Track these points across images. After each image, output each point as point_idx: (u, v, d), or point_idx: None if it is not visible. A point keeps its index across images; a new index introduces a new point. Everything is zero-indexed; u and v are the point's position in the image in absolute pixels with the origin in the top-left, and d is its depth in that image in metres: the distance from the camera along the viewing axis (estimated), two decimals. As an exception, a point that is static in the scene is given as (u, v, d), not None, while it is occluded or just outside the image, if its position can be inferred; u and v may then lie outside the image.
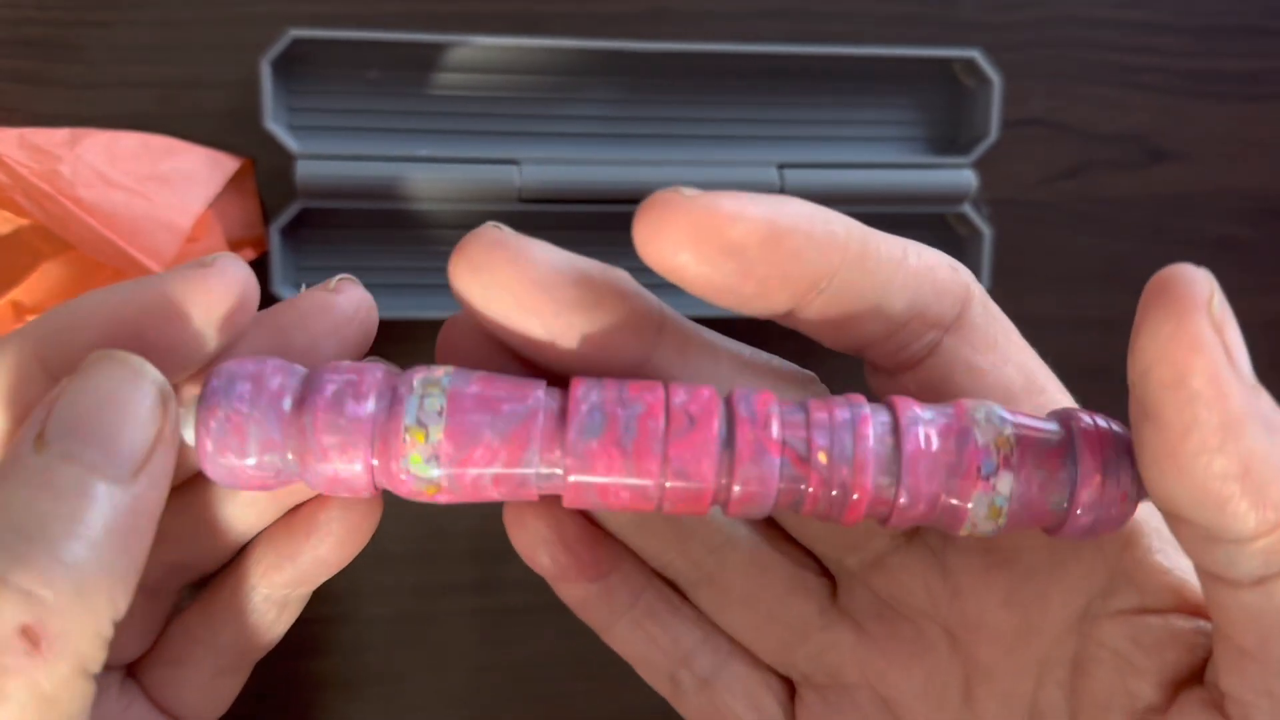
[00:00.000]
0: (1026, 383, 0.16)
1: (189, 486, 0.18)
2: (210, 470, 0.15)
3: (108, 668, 0.16)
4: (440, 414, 0.15)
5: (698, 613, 0.19)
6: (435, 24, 0.29)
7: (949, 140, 0.30)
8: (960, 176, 0.29)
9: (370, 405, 0.15)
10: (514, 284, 0.15)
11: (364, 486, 0.15)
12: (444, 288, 0.29)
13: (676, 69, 0.28)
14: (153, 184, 0.25)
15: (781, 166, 0.28)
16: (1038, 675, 0.17)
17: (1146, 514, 0.16)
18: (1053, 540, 0.17)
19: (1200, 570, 0.14)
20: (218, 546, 0.18)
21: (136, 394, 0.14)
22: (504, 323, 0.15)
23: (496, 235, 0.15)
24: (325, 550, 0.18)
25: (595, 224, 0.29)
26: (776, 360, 0.18)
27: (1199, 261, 0.17)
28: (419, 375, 0.15)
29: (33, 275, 0.26)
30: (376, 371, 0.15)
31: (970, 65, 0.29)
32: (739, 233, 0.14)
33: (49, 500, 0.13)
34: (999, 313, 0.17)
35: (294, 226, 0.27)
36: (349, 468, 0.15)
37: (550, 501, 0.18)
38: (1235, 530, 0.13)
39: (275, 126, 0.26)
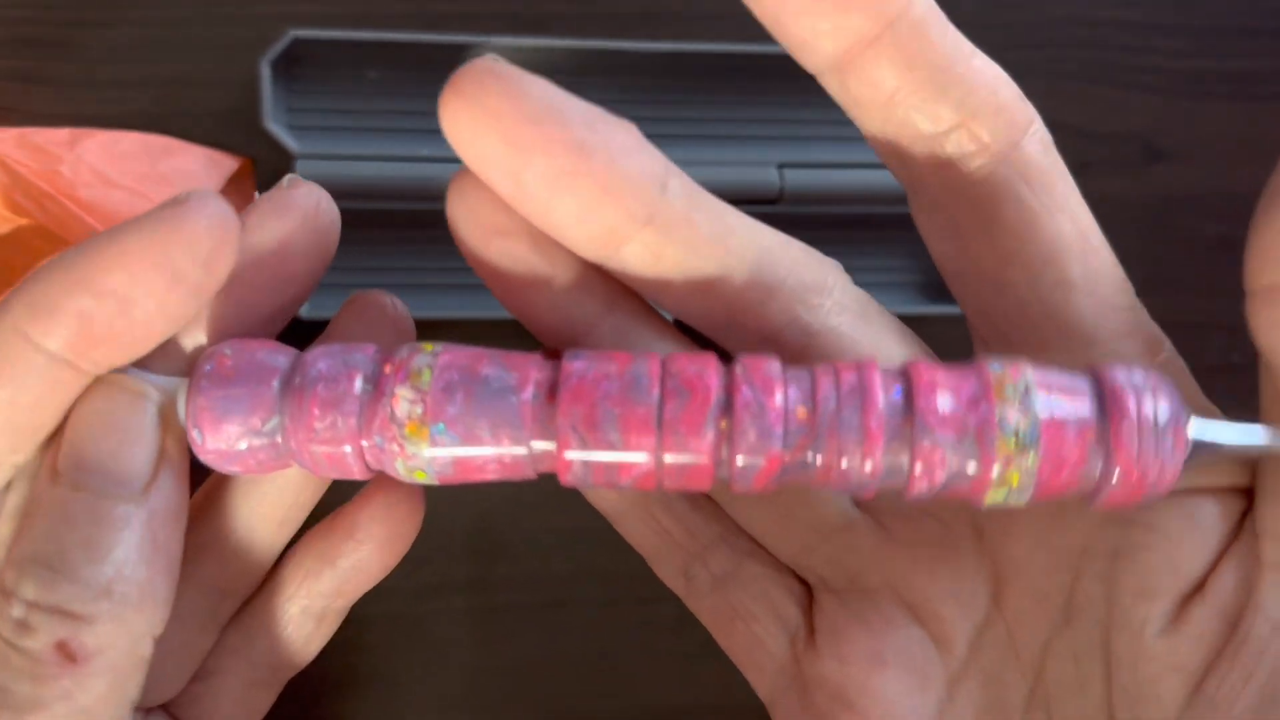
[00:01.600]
0: (1079, 237, 0.15)
1: (212, 501, 0.18)
2: (202, 454, 0.15)
3: (144, 709, 0.16)
4: (431, 394, 0.15)
5: (715, 507, 0.18)
6: (435, 24, 0.29)
7: (949, 140, 0.30)
8: (960, 177, 0.29)
9: (359, 386, 0.15)
10: (505, 117, 0.14)
11: (356, 469, 0.15)
12: (444, 288, 0.29)
13: (676, 69, 0.28)
14: (153, 184, 0.25)
15: (781, 166, 0.28)
16: (1074, 567, 0.16)
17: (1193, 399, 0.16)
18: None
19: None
20: (250, 559, 0.18)
21: (133, 414, 0.14)
22: (493, 165, 0.14)
23: (492, 65, 0.14)
24: (366, 554, 0.18)
25: (595, 224, 0.29)
26: (796, 242, 0.16)
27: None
28: (408, 355, 0.15)
29: (32, 275, 0.26)
30: (366, 351, 0.15)
31: (970, 65, 0.29)
32: None
33: (68, 530, 0.14)
34: (1060, 161, 0.15)
35: (294, 226, 0.27)
36: (338, 450, 0.15)
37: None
38: None
39: (275, 126, 0.26)
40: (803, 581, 0.18)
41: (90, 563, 0.14)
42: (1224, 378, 0.21)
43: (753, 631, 0.18)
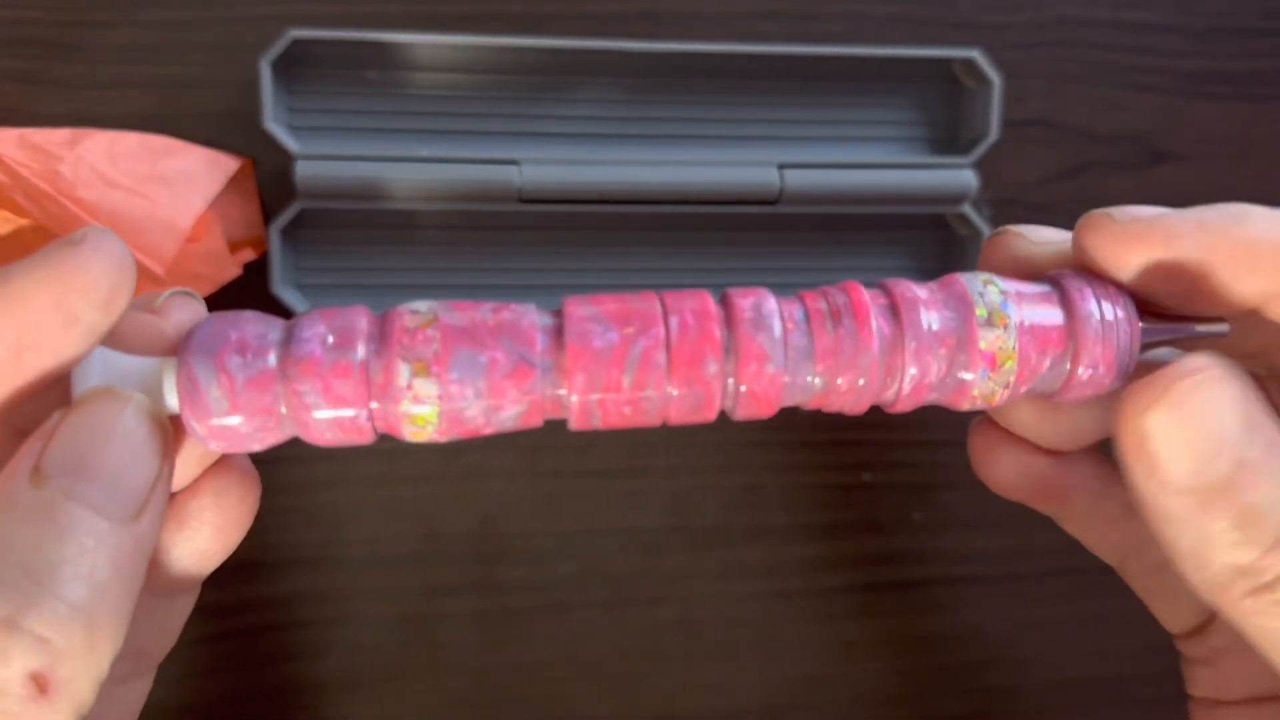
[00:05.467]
0: None
1: None
2: (197, 434, 0.15)
3: None
4: (435, 349, 0.14)
5: None
6: (435, 24, 0.29)
7: (949, 140, 0.30)
8: (960, 176, 0.29)
9: (360, 349, 0.14)
10: None
11: (363, 433, 0.15)
12: (442, 288, 0.29)
13: (676, 69, 0.28)
14: (153, 184, 0.25)
15: (781, 166, 0.28)
16: None
17: None
18: None
19: None
20: None
21: (139, 433, 0.14)
22: None
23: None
24: (202, 541, 0.17)
25: (595, 224, 0.29)
26: None
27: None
28: (406, 313, 0.15)
29: (32, 275, 0.26)
30: (360, 314, 0.15)
31: (970, 65, 0.29)
32: None
33: (54, 541, 0.13)
34: None
35: (294, 227, 0.27)
36: (344, 414, 0.14)
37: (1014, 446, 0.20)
38: None
39: (275, 126, 0.26)
40: None
41: (77, 580, 0.13)
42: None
43: None
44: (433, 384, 0.14)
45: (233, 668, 0.29)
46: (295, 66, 0.27)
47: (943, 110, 0.30)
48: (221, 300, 0.26)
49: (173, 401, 0.15)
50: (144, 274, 0.24)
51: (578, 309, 0.15)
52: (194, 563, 0.17)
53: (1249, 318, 0.17)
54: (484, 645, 0.30)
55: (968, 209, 0.29)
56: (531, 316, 0.15)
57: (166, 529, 0.17)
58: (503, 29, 0.29)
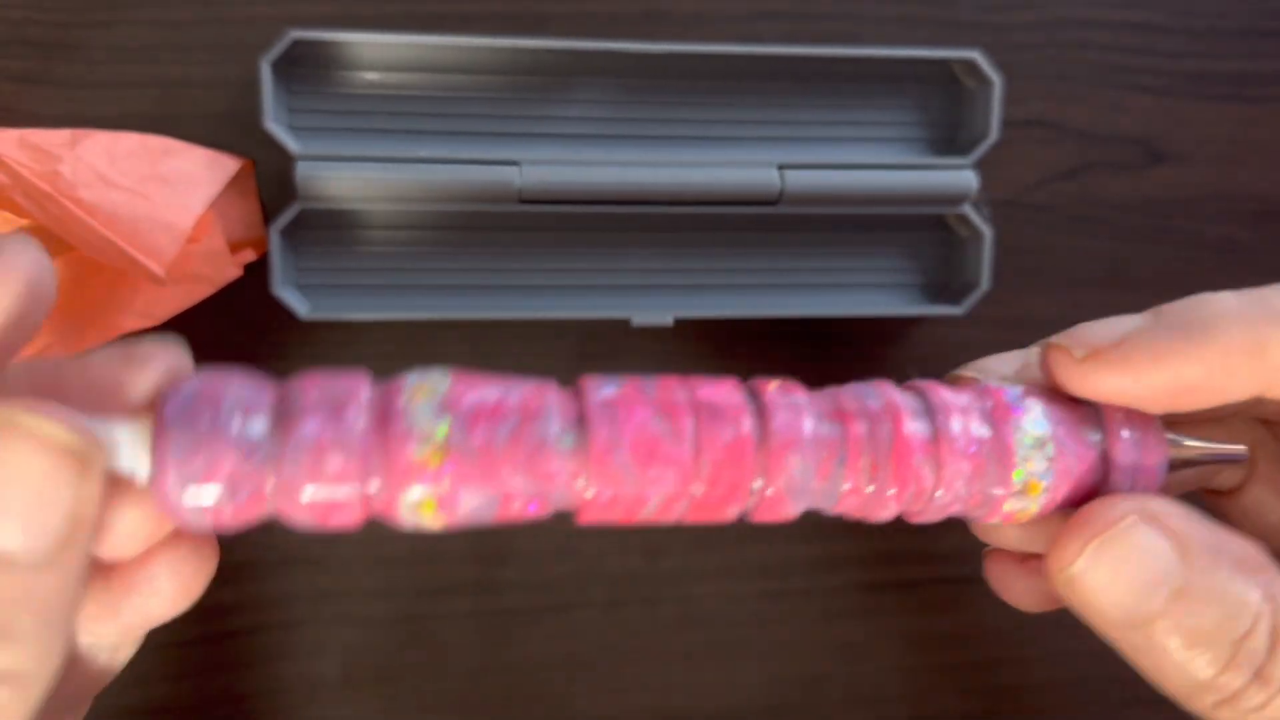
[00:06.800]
0: None
1: None
2: (172, 510, 0.13)
3: None
4: (446, 488, 0.13)
5: None
6: (435, 24, 0.29)
7: (949, 140, 0.30)
8: (960, 177, 0.29)
9: (362, 422, 0.13)
10: None
11: (354, 517, 0.13)
12: (442, 289, 0.29)
13: (677, 69, 0.28)
14: (153, 184, 0.25)
15: (781, 167, 0.28)
16: None
17: None
18: None
19: None
20: None
21: (46, 463, 0.12)
22: None
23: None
24: (153, 609, 0.16)
25: (595, 224, 0.29)
26: None
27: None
28: (413, 384, 0.14)
29: (33, 275, 0.26)
30: (363, 382, 0.13)
31: (970, 66, 0.29)
32: None
33: None
34: None
35: (294, 228, 0.27)
36: (337, 492, 0.13)
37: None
38: None
39: (275, 127, 0.26)
40: None
41: (2, 642, 0.12)
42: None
43: None
44: (440, 516, 0.13)
45: (231, 667, 0.29)
46: (295, 67, 0.27)
47: (943, 111, 0.30)
48: (222, 300, 0.26)
49: (143, 469, 0.13)
50: (144, 274, 0.24)
51: (598, 394, 0.14)
52: (140, 622, 0.16)
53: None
54: (483, 645, 0.30)
55: (968, 209, 0.29)
56: (550, 398, 0.14)
57: (111, 593, 0.16)
58: (503, 29, 0.29)
